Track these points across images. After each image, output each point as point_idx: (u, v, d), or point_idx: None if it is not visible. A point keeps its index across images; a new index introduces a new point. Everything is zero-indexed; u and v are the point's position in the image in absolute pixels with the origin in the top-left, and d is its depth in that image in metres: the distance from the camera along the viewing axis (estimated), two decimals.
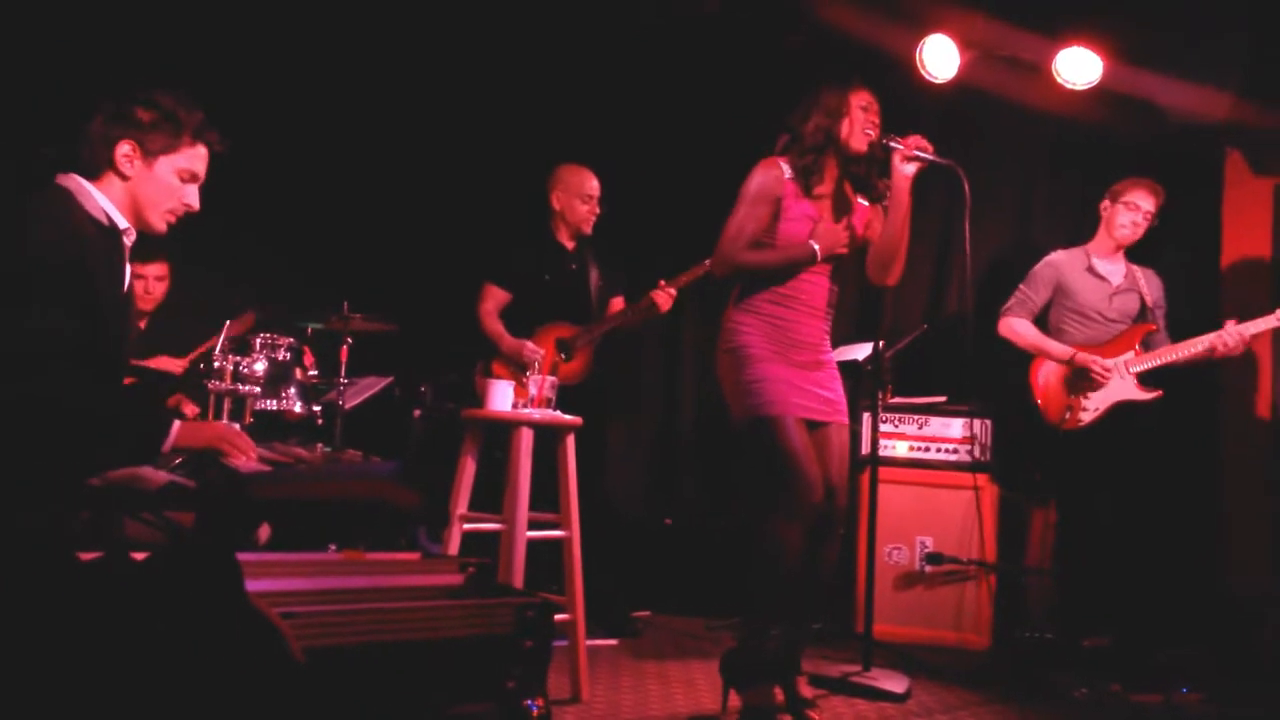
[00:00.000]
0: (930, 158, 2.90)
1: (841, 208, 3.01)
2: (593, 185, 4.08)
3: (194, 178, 2.23)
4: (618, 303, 4.18)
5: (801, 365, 2.92)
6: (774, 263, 2.91)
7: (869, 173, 3.00)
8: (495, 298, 4.06)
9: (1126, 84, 4.20)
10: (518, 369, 3.80)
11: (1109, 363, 3.76)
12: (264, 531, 2.25)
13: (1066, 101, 4.28)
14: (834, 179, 2.99)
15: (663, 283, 3.94)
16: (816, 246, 2.88)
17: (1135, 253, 3.95)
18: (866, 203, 3.07)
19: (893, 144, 2.91)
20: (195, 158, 2.21)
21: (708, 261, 3.81)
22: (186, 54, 4.02)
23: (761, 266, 2.92)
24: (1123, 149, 4.30)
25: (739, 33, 4.59)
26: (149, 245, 3.81)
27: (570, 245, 4.14)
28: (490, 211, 4.75)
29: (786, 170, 2.94)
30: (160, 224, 2.22)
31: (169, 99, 2.18)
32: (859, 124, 2.92)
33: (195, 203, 2.24)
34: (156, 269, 4.04)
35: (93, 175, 2.15)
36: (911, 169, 2.90)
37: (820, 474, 2.83)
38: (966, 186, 2.95)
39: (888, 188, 2.96)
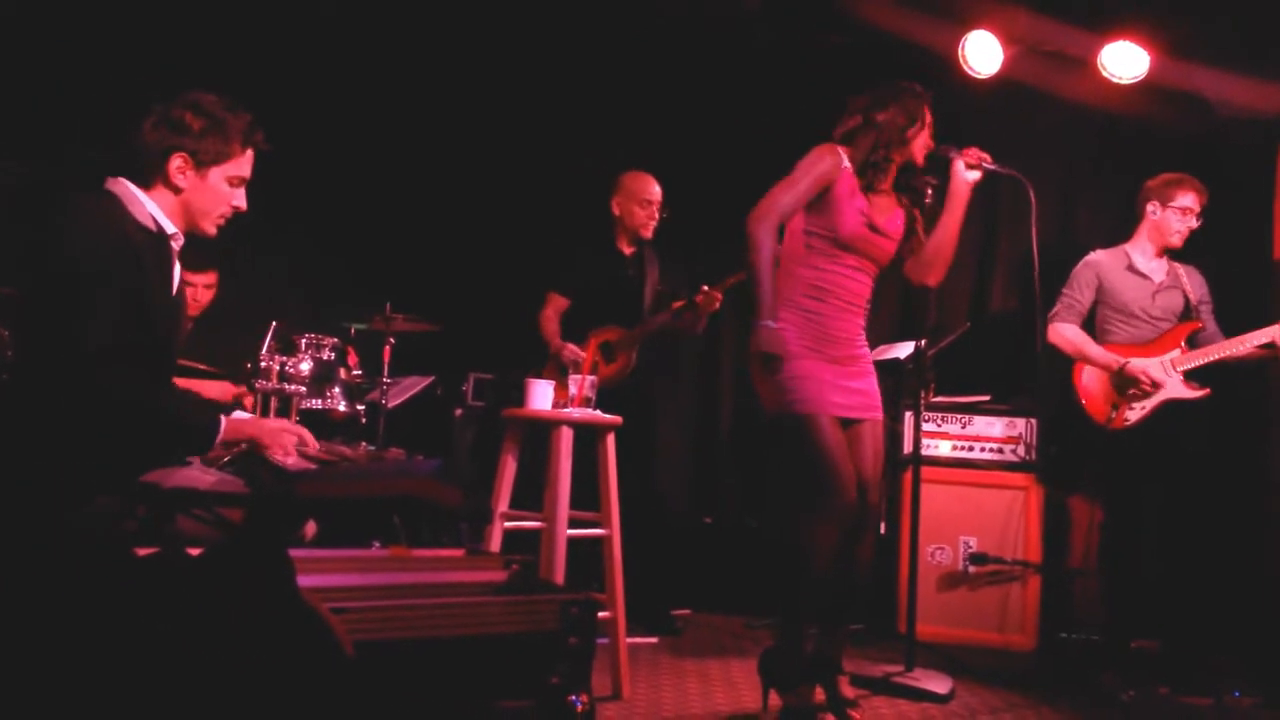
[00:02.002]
0: (994, 167, 2.92)
1: (890, 208, 2.99)
2: (653, 191, 4.10)
3: (242, 182, 2.26)
4: (678, 305, 4.16)
5: (837, 360, 2.90)
6: (756, 286, 2.82)
7: (915, 178, 3.01)
8: (555, 304, 4.17)
9: (1174, 78, 4.13)
10: (565, 371, 3.85)
11: (1155, 368, 3.69)
12: (310, 528, 2.29)
13: (1112, 96, 4.22)
14: (890, 180, 2.97)
15: (705, 287, 3.93)
16: (772, 325, 2.80)
17: (1184, 249, 3.88)
18: (908, 204, 3.05)
19: (952, 154, 2.95)
20: (244, 164, 2.24)
21: None
22: (230, 54, 4.08)
23: (752, 275, 2.84)
24: (1170, 144, 4.23)
25: (782, 32, 4.57)
26: (200, 254, 3.89)
27: (629, 251, 4.16)
28: (550, 216, 4.78)
29: (845, 160, 2.91)
30: (212, 229, 2.26)
31: (216, 102, 2.20)
32: (925, 136, 2.95)
33: (244, 204, 2.27)
34: (206, 278, 4.08)
35: (143, 182, 2.17)
36: (974, 175, 2.94)
37: (854, 473, 2.82)
38: (1032, 195, 2.96)
39: (930, 192, 2.97)
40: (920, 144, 2.94)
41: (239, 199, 2.26)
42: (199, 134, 2.16)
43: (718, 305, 3.94)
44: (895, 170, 2.96)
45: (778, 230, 2.89)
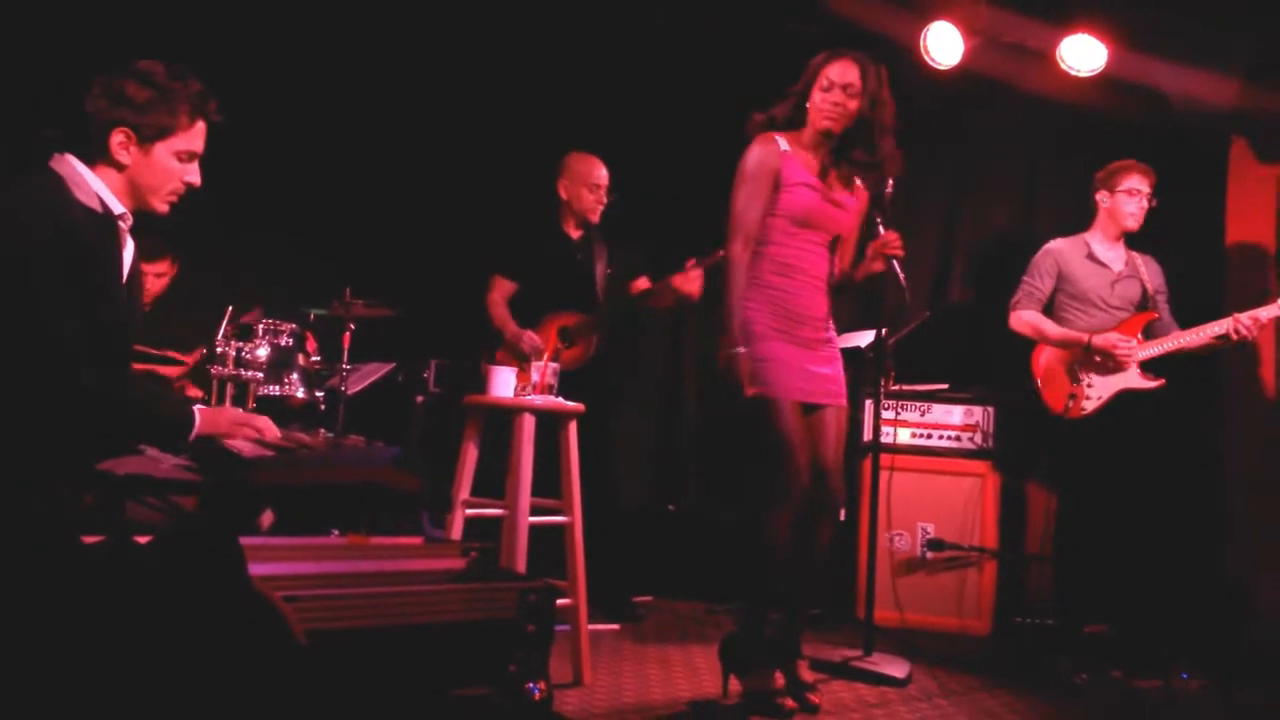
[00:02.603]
0: (897, 270, 2.96)
1: (840, 181, 2.99)
2: (600, 174, 4.06)
3: (193, 157, 2.13)
4: (642, 283, 4.07)
5: (805, 343, 2.91)
6: (727, 297, 2.88)
7: (859, 151, 2.94)
8: (502, 288, 4.08)
9: (1131, 71, 4.19)
10: (520, 357, 3.81)
11: (1120, 337, 3.73)
12: (267, 517, 2.26)
13: (1071, 88, 4.26)
14: (825, 154, 2.95)
15: (692, 261, 3.71)
16: (742, 352, 2.83)
17: (1137, 240, 3.94)
18: (859, 184, 3.05)
19: (879, 222, 2.99)
20: (194, 137, 2.12)
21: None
22: (190, 34, 4.00)
23: (725, 288, 2.89)
24: (1127, 136, 4.28)
25: (747, 18, 4.57)
26: (151, 243, 3.81)
27: (576, 234, 4.12)
28: (496, 199, 4.74)
29: (782, 142, 2.93)
30: (163, 206, 2.14)
31: (162, 71, 2.08)
32: (818, 103, 2.89)
33: (197, 179, 2.15)
34: (157, 267, 3.99)
35: (89, 159, 2.07)
36: (879, 266, 2.99)
37: (808, 460, 2.84)
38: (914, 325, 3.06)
39: (883, 164, 2.96)
40: (818, 100, 2.89)
41: (191, 175, 2.13)
42: (142, 106, 2.04)
43: (697, 284, 3.70)
44: (821, 146, 2.93)
45: (753, 241, 2.90)
